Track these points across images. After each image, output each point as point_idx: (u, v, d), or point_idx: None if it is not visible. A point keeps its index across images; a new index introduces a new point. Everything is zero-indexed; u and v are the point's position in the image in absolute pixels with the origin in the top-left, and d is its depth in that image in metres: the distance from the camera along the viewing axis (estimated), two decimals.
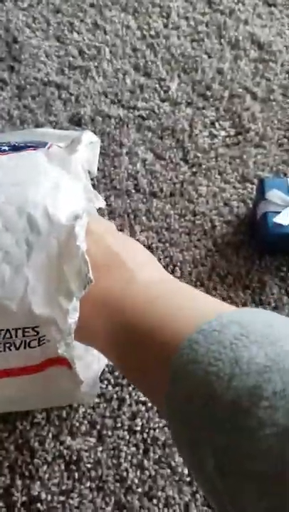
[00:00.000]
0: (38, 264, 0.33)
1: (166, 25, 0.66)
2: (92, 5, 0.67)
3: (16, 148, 0.40)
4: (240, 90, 0.60)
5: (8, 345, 0.34)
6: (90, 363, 0.40)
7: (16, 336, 0.34)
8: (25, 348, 0.34)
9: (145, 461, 0.41)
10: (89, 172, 0.46)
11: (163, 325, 0.27)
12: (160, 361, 0.26)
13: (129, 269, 0.32)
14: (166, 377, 0.24)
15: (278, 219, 0.44)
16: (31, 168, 0.38)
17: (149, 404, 0.43)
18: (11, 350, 0.34)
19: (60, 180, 0.37)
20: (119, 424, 0.43)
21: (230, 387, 0.21)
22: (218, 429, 0.21)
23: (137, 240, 0.51)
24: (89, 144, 0.45)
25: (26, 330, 0.33)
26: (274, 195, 0.46)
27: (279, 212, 0.45)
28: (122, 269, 0.32)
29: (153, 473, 0.41)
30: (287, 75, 0.62)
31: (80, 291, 0.32)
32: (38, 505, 0.40)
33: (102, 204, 0.39)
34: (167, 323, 0.27)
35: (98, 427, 0.43)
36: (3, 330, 0.33)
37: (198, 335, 0.23)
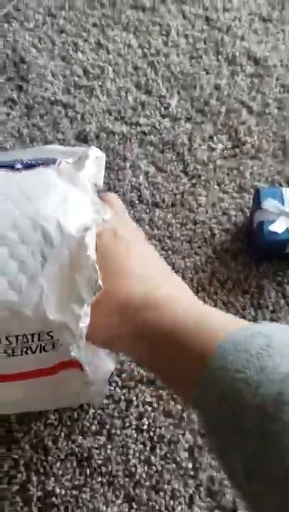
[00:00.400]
0: (51, 274, 0.36)
1: (166, 43, 0.69)
2: (94, 25, 0.71)
3: (28, 165, 0.43)
4: (237, 105, 0.63)
5: (25, 349, 0.37)
6: (99, 366, 0.42)
7: (33, 341, 0.36)
8: (40, 351, 0.37)
9: (152, 457, 0.44)
10: (96, 185, 0.49)
11: (193, 330, 0.28)
12: (188, 366, 0.26)
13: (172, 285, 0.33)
14: (193, 383, 0.25)
15: (273, 227, 0.47)
16: (42, 183, 0.41)
17: (155, 405, 0.46)
18: (27, 354, 0.37)
19: (68, 194, 0.40)
20: (127, 424, 0.45)
21: (258, 394, 0.22)
22: (247, 435, 0.22)
23: None
24: (95, 159, 0.48)
25: (42, 335, 0.36)
26: (269, 204, 0.49)
27: (274, 221, 0.48)
28: (157, 279, 0.33)
29: (159, 468, 0.44)
30: (282, 89, 0.65)
31: (91, 298, 0.35)
32: (53, 499, 0.43)
33: (110, 216, 0.42)
34: (197, 329, 0.27)
35: (107, 426, 0.45)
36: (20, 335, 0.36)
37: (227, 343, 0.25)
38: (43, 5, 0.73)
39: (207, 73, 0.66)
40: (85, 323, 0.36)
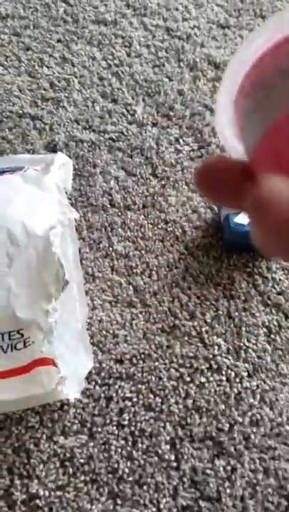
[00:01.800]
0: (18, 273, 0.37)
1: (128, 54, 0.71)
2: (59, 40, 0.73)
3: None
4: (200, 108, 0.65)
5: None
6: (75, 362, 0.43)
7: (3, 340, 0.37)
8: (12, 350, 0.37)
9: (134, 452, 0.44)
10: (66, 192, 0.50)
11: None
12: None
13: None
14: None
15: (238, 219, 0.49)
16: (8, 189, 0.42)
17: (135, 400, 0.47)
18: None
19: (35, 198, 0.41)
20: (108, 421, 0.46)
21: None
22: None
23: (115, 249, 0.55)
24: (62, 165, 0.50)
25: (12, 333, 0.37)
26: None
27: (239, 213, 0.49)
28: None
29: (142, 462, 0.44)
30: None
31: (59, 293, 0.36)
32: (37, 501, 0.43)
33: (76, 215, 0.43)
34: None
35: (88, 425, 0.46)
36: None
37: None
38: (7, 25, 0.75)
39: (170, 80, 0.68)
40: (53, 318, 0.36)
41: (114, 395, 0.47)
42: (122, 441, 0.45)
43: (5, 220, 0.39)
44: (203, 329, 0.50)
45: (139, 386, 0.47)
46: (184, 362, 0.48)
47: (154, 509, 0.42)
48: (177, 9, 0.76)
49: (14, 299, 0.37)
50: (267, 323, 0.50)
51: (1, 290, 0.37)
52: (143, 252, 0.55)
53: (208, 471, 0.44)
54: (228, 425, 0.45)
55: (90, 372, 0.47)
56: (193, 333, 0.50)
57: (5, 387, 0.38)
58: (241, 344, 0.49)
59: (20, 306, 0.37)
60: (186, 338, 0.50)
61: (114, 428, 0.45)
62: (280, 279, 0.53)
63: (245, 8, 0.76)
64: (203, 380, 0.47)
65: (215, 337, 0.49)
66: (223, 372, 0.47)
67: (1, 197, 0.41)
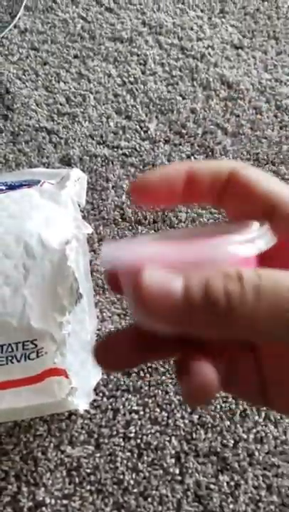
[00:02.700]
0: (34, 285, 0.38)
1: (143, 72, 0.73)
2: (76, 56, 0.75)
3: (12, 187, 0.46)
4: (212, 127, 0.67)
5: (10, 358, 0.38)
6: (85, 374, 0.44)
7: (17, 350, 0.38)
8: (25, 360, 0.39)
9: (139, 464, 0.45)
10: (79, 205, 0.51)
11: None
12: None
13: None
14: None
15: None
16: (26, 203, 0.43)
17: (141, 413, 0.47)
18: (13, 363, 0.39)
19: (51, 212, 0.43)
20: (114, 432, 0.47)
21: None
22: None
23: None
24: (77, 180, 0.51)
25: (26, 343, 0.38)
26: None
27: None
28: None
29: (147, 474, 0.45)
30: (254, 111, 0.69)
31: (72, 307, 0.37)
32: (43, 509, 0.44)
33: (89, 230, 0.45)
34: None
35: (95, 435, 0.47)
36: (5, 344, 0.38)
37: None
38: (25, 40, 0.77)
39: (183, 98, 0.70)
40: (67, 330, 0.37)
41: (122, 407, 0.48)
42: (128, 453, 0.46)
43: (22, 233, 0.40)
44: None
45: (146, 399, 0.48)
46: None
47: None
48: (192, 28, 0.78)
49: (29, 309, 0.38)
50: None
51: (17, 300, 0.38)
52: None
53: (212, 486, 0.44)
54: (232, 441, 0.46)
55: (97, 384, 0.48)
56: None
57: (17, 395, 0.39)
58: None
59: (35, 316, 0.38)
60: None
61: (121, 440, 0.46)
62: None
63: (258, 29, 0.78)
64: None
65: None
66: None
67: (19, 211, 0.43)
